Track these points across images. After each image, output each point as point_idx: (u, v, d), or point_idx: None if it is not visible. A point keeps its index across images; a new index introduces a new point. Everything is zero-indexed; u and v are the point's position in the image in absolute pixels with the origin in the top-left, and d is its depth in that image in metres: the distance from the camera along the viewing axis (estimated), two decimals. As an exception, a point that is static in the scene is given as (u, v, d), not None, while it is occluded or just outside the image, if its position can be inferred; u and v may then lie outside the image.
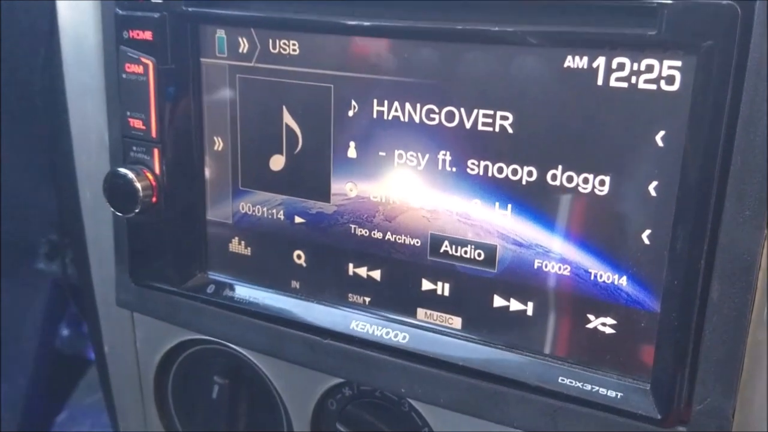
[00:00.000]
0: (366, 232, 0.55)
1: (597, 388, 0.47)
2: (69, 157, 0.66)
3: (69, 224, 0.71)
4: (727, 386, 0.44)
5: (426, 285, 0.54)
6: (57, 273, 1.14)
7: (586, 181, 0.46)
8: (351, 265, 0.56)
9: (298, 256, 0.58)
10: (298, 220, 0.57)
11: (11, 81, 0.76)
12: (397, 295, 0.55)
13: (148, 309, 0.65)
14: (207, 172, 0.60)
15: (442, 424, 0.57)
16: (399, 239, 0.54)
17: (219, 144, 0.59)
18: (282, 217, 0.58)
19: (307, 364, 0.58)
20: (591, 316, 0.48)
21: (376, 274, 0.55)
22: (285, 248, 0.58)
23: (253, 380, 0.65)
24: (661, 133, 0.43)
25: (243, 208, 0.59)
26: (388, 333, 0.55)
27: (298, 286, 0.59)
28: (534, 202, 0.48)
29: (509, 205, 0.49)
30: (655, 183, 0.44)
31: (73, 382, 1.20)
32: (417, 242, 0.53)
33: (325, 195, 0.55)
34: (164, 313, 0.64)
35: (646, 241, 0.45)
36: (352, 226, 0.55)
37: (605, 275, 0.47)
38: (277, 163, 0.57)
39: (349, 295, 0.57)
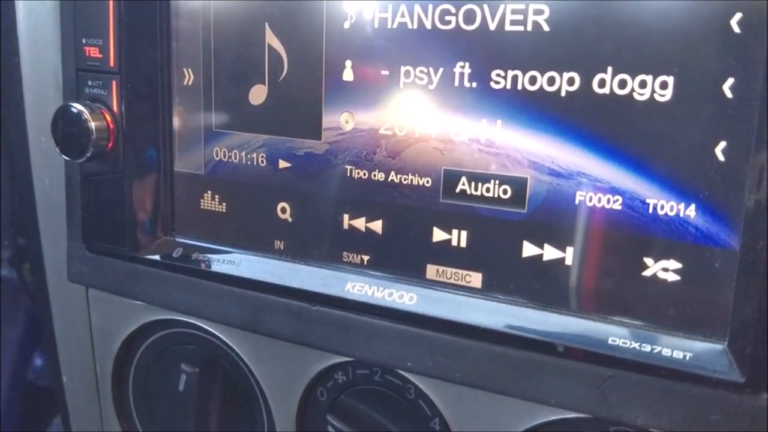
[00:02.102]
0: (365, 174, 0.45)
1: (659, 348, 0.37)
2: (19, 102, 0.57)
3: (19, 188, 0.61)
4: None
5: (438, 235, 0.44)
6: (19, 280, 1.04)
7: (643, 84, 0.37)
8: (346, 217, 0.46)
9: (283, 210, 0.48)
10: (282, 164, 0.48)
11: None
12: (403, 251, 0.45)
13: (105, 282, 0.55)
14: (174, 112, 0.51)
15: (456, 413, 0.47)
16: (405, 179, 0.44)
17: (189, 77, 0.49)
18: (264, 162, 0.48)
19: (291, 337, 0.47)
20: (649, 260, 0.38)
21: (377, 226, 0.46)
22: (267, 201, 0.49)
23: (227, 368, 0.55)
24: (738, 16, 0.34)
25: (217, 155, 0.50)
26: (391, 294, 0.45)
27: (282, 247, 0.49)
28: (576, 118, 0.39)
29: (544, 125, 0.39)
30: (730, 81, 0.35)
31: (46, 419, 1.10)
32: (427, 182, 0.44)
33: (315, 130, 0.46)
34: (123, 286, 0.53)
35: (721, 157, 0.36)
36: (348, 167, 0.46)
37: (668, 205, 0.37)
38: (258, 95, 0.47)
39: (344, 253, 0.47)
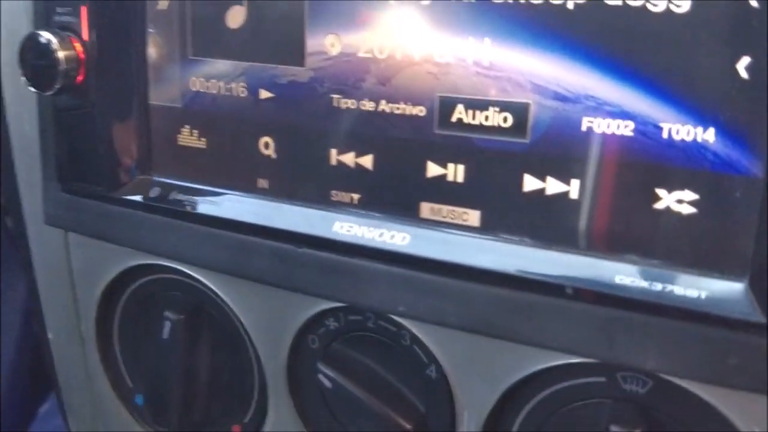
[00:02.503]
0: (353, 104, 0.42)
1: (671, 287, 0.34)
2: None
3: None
4: None
5: (432, 170, 0.41)
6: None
7: (658, -7, 0.33)
8: (334, 152, 0.43)
9: (266, 145, 0.45)
10: (264, 94, 0.44)
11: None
12: (395, 188, 0.42)
13: (82, 225, 0.52)
14: (148, 40, 0.47)
15: (453, 359, 0.44)
16: (397, 109, 0.41)
17: (163, 1, 0.46)
18: (244, 93, 0.45)
19: (276, 281, 0.44)
20: (662, 192, 0.35)
21: (367, 161, 0.42)
22: (249, 135, 0.45)
23: (213, 316, 0.52)
24: None
25: (195, 86, 0.46)
26: (381, 234, 0.41)
27: (266, 185, 0.46)
28: (585, 34, 0.35)
29: (549, 43, 0.36)
30: (758, -13, 0.31)
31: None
32: (420, 111, 0.40)
33: (298, 55, 0.42)
34: (100, 228, 0.51)
35: (743, 74, 0.32)
36: (335, 96, 0.42)
37: (683, 130, 0.34)
38: (236, 17, 0.43)
39: (333, 192, 0.44)
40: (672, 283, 0.34)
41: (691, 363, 0.34)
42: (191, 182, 0.48)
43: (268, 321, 0.49)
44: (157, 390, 0.55)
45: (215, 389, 0.54)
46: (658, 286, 0.34)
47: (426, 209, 0.41)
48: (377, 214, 0.42)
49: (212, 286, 0.51)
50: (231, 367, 0.53)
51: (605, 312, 0.36)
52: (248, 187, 0.46)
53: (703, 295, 0.33)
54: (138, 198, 0.48)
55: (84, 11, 0.45)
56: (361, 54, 0.40)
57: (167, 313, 0.52)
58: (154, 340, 0.54)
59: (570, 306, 0.37)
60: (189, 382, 0.54)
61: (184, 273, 0.52)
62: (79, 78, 0.46)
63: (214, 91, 0.45)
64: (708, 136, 0.33)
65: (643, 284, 0.35)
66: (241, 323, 0.51)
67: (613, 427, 0.38)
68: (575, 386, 0.41)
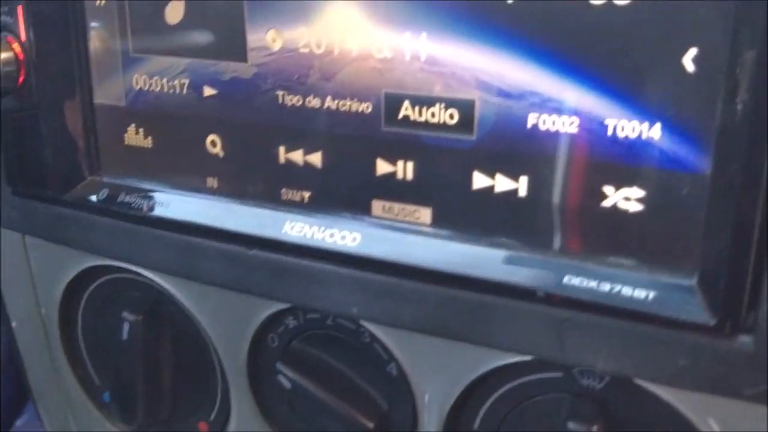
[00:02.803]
0: (299, 100, 0.40)
1: (618, 287, 0.33)
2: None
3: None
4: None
5: (382, 167, 0.39)
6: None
7: (599, -16, 0.31)
8: (282, 149, 0.42)
9: (213, 143, 0.44)
10: (208, 91, 0.43)
11: None
12: (345, 186, 0.41)
13: (36, 228, 0.51)
14: (89, 38, 0.45)
15: (412, 357, 0.43)
16: (343, 105, 0.39)
17: (100, -3, 0.44)
18: (187, 90, 0.43)
19: (227, 283, 0.44)
20: (609, 189, 0.34)
21: (316, 159, 0.41)
22: (195, 133, 0.44)
23: (172, 316, 0.51)
24: None
25: (137, 83, 0.45)
26: (332, 235, 0.40)
27: (215, 184, 0.45)
28: (524, 29, 0.33)
29: (491, 37, 0.34)
30: (702, -24, 0.30)
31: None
32: (367, 107, 0.39)
33: (239, 51, 0.41)
34: (52, 231, 0.49)
35: (690, 67, 0.31)
36: (280, 93, 0.41)
37: (629, 126, 0.33)
38: (175, 12, 0.42)
39: (283, 190, 0.43)
40: (620, 282, 0.33)
41: (642, 364, 0.34)
42: (140, 183, 0.46)
43: (226, 320, 0.49)
44: (123, 388, 0.54)
45: (179, 387, 0.54)
46: (606, 287, 0.34)
47: (378, 207, 0.40)
48: (328, 213, 0.41)
49: (167, 287, 0.50)
50: (194, 365, 0.53)
51: (555, 312, 0.35)
52: (197, 187, 0.45)
53: (651, 295, 0.33)
54: (87, 200, 0.47)
55: (20, 10, 0.44)
56: (303, 49, 0.39)
57: (125, 314, 0.51)
58: (116, 340, 0.53)
59: (520, 306, 0.36)
60: (152, 380, 0.53)
61: (140, 273, 0.51)
62: (20, 79, 0.45)
63: (158, 89, 0.44)
64: (654, 132, 0.32)
65: (592, 284, 0.34)
66: (199, 323, 0.50)
67: (570, 424, 0.38)
68: (533, 382, 0.40)
